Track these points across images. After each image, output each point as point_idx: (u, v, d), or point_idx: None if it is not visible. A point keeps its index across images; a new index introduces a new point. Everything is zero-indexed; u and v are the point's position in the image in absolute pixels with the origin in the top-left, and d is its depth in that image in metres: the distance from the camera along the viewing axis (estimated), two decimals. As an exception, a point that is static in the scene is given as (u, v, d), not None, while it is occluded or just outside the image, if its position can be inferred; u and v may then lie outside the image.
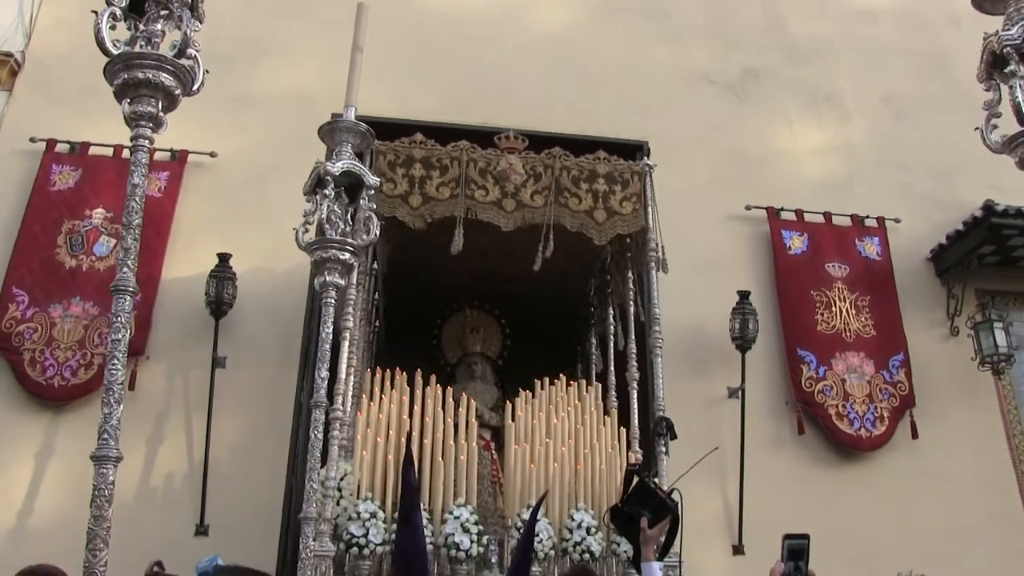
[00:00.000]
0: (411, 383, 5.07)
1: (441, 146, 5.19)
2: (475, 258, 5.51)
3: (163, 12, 2.12)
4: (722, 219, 7.02)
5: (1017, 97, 2.08)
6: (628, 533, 3.44)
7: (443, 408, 4.82)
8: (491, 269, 6.04)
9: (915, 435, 6.51)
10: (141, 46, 2.08)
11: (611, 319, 5.88)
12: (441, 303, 6.61)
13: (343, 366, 4.69)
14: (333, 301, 3.16)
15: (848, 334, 6.74)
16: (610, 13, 7.82)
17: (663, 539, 3.30)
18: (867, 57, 8.06)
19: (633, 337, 5.45)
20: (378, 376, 5.12)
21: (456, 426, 4.83)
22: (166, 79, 2.02)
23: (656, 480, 3.76)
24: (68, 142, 6.43)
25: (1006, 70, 2.16)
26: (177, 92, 2.09)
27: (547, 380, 5.34)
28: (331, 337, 3.23)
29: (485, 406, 5.77)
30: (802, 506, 6.10)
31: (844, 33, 8.13)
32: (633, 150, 5.51)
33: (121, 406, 1.94)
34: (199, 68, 2.14)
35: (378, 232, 3.10)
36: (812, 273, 6.93)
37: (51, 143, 6.38)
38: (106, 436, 1.89)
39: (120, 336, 1.97)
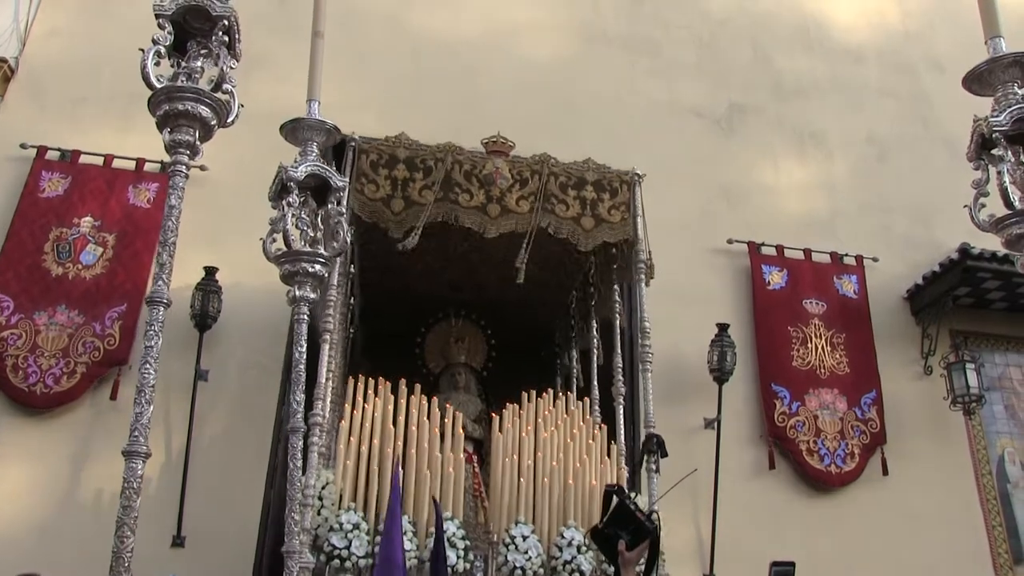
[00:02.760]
0: (395, 392, 5.03)
1: (425, 146, 5.15)
2: (454, 265, 5.61)
3: (203, 51, 2.31)
4: (704, 251, 7.24)
5: (1005, 181, 2.26)
6: (609, 555, 3.54)
7: (428, 418, 4.80)
8: (469, 278, 6.07)
9: (885, 472, 6.74)
10: (182, 81, 2.26)
11: (594, 332, 5.93)
12: (418, 311, 6.59)
13: (323, 370, 4.71)
14: (306, 318, 3.00)
15: (823, 371, 6.97)
16: (600, 45, 8.05)
17: (643, 562, 3.41)
18: (852, 97, 8.35)
19: (619, 351, 5.50)
20: (360, 384, 5.08)
21: (442, 436, 4.80)
22: (203, 111, 2.18)
23: (636, 502, 3.75)
24: (59, 149, 6.54)
25: (994, 151, 2.34)
26: (213, 123, 2.25)
27: (533, 393, 5.29)
28: (305, 357, 3.05)
29: (468, 418, 5.79)
30: (773, 537, 6.29)
31: (830, 72, 8.42)
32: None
33: (151, 407, 2.11)
34: (234, 101, 2.32)
35: (348, 239, 2.97)
36: (790, 308, 7.16)
37: (42, 150, 6.49)
38: (136, 433, 2.06)
39: (153, 343, 2.18)
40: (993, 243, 6.93)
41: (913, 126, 8.30)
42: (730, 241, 7.32)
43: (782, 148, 7.95)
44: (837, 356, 7.03)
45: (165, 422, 5.94)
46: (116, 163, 6.49)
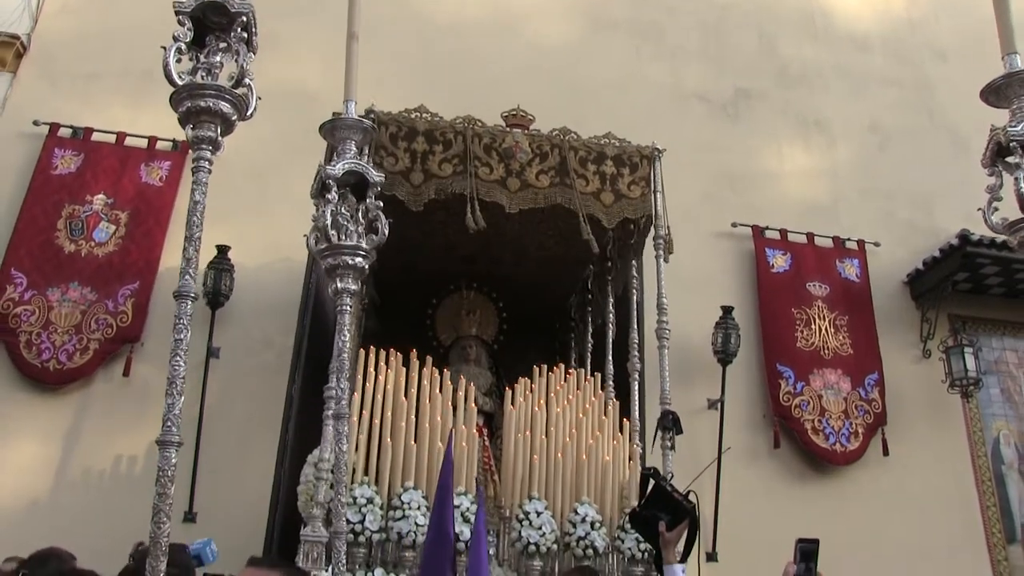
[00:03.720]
0: (406, 364, 4.93)
1: (444, 119, 5.04)
2: (470, 239, 5.54)
3: (222, 44, 2.32)
4: (709, 235, 7.27)
5: (1021, 187, 2.38)
6: (648, 536, 3.55)
7: (440, 391, 4.73)
8: (484, 251, 5.99)
9: (886, 452, 6.81)
10: (202, 76, 2.28)
11: (610, 307, 5.89)
12: (430, 283, 6.52)
13: (339, 340, 4.71)
14: (349, 308, 3.04)
15: (826, 351, 7.02)
16: (606, 30, 8.06)
17: (683, 541, 3.43)
18: (856, 84, 8.38)
19: (636, 326, 5.45)
20: (371, 355, 4.96)
21: (454, 409, 4.72)
22: (224, 107, 2.20)
23: (672, 484, 3.72)
24: (71, 127, 6.52)
25: (1008, 159, 2.47)
26: (234, 118, 2.27)
27: (545, 367, 5.20)
28: (348, 346, 3.11)
29: (479, 391, 5.71)
30: (774, 516, 6.35)
31: (834, 60, 8.45)
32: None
33: (183, 398, 2.18)
34: (252, 95, 2.34)
35: (387, 232, 2.97)
36: (794, 291, 7.20)
37: (54, 127, 6.47)
38: (169, 423, 2.13)
39: (183, 336, 2.21)
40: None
41: (915, 114, 8.34)
42: (735, 225, 7.36)
43: (786, 134, 7.98)
44: (840, 338, 7.09)
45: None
46: (128, 141, 6.48)
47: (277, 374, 6.09)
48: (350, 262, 2.91)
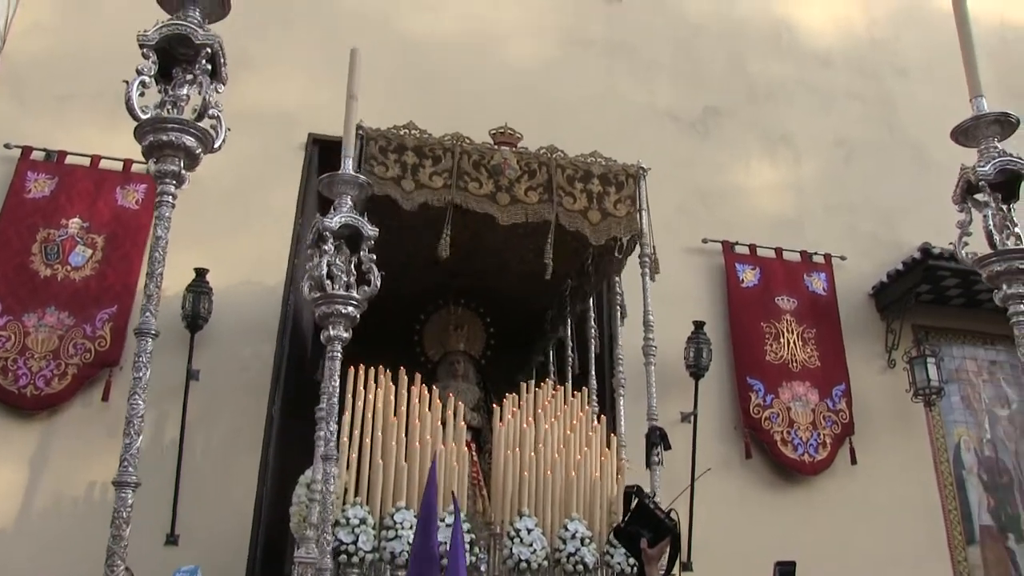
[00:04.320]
0: (395, 381, 4.98)
1: (433, 136, 5.10)
2: (454, 252, 5.61)
3: (188, 77, 2.32)
4: (680, 251, 7.36)
5: (989, 224, 2.53)
6: (632, 552, 3.66)
7: (429, 409, 4.76)
8: (467, 264, 6.03)
9: (854, 461, 6.98)
10: (168, 109, 2.29)
11: (591, 322, 5.97)
12: (416, 299, 6.54)
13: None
14: (339, 355, 3.15)
15: (795, 364, 7.17)
16: (580, 48, 8.13)
17: (665, 557, 3.53)
18: (821, 101, 8.54)
19: (621, 342, 5.53)
20: (360, 373, 4.97)
21: (444, 425, 4.75)
22: (188, 141, 2.22)
23: (655, 501, 3.82)
24: (44, 149, 6.45)
25: (977, 196, 2.64)
26: (198, 152, 2.27)
27: (532, 383, 5.30)
28: (338, 391, 3.21)
29: (467, 406, 5.74)
30: (747, 525, 6.50)
31: (800, 76, 8.60)
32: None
33: (140, 437, 2.12)
34: (221, 127, 2.35)
35: (379, 284, 3.09)
36: (763, 305, 7.34)
37: (26, 150, 6.38)
38: (126, 463, 2.06)
39: (142, 374, 2.18)
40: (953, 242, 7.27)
41: (878, 129, 8.53)
42: (705, 240, 7.48)
43: (754, 150, 8.12)
44: (808, 350, 7.24)
45: (157, 422, 5.94)
46: (103, 164, 6.42)
47: (257, 395, 6.12)
48: (342, 311, 3.03)
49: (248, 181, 6.65)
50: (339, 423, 4.76)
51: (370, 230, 3.07)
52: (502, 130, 5.36)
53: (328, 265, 3.01)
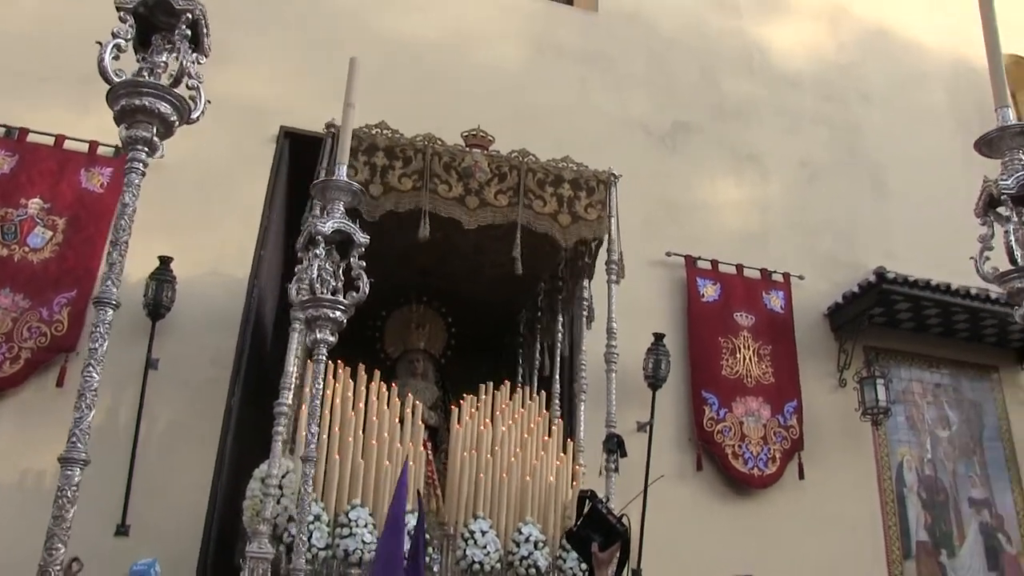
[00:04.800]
0: (353, 377, 4.99)
1: (405, 136, 5.05)
2: (423, 252, 5.57)
3: (168, 45, 2.24)
4: (645, 263, 7.43)
5: (1011, 240, 2.45)
6: (583, 555, 3.71)
7: (388, 407, 4.76)
8: (435, 266, 6.02)
9: (802, 476, 7.13)
10: (144, 76, 2.19)
11: (559, 326, 6.01)
12: (380, 295, 6.56)
13: (291, 358, 4.69)
14: (324, 358, 3.17)
15: (749, 380, 7.30)
16: (555, 56, 8.15)
17: (615, 562, 3.58)
18: (788, 122, 8.69)
19: (584, 348, 5.56)
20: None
21: (402, 423, 4.77)
22: (163, 107, 2.13)
23: (608, 507, 3.89)
24: (4, 126, 6.28)
25: (999, 210, 2.53)
26: (173, 120, 2.18)
27: (491, 385, 5.31)
28: (321, 393, 3.26)
29: (424, 405, 5.72)
30: (696, 535, 6.61)
31: (769, 96, 8.74)
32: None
33: (92, 412, 2.01)
34: (200, 98, 2.27)
35: (367, 290, 3.09)
36: (722, 320, 7.45)
37: (-13, 125, 6.23)
38: (75, 439, 1.94)
39: (98, 346, 2.08)
40: (906, 267, 7.48)
41: (841, 153, 8.72)
42: (668, 254, 7.56)
43: (721, 167, 8.23)
44: (763, 367, 7.38)
45: (114, 409, 5.84)
46: (68, 144, 6.27)
47: (216, 387, 6.02)
48: (330, 315, 3.03)
49: (217, 171, 6.56)
50: (296, 417, 4.81)
51: (362, 237, 3.06)
52: (474, 132, 5.34)
53: (319, 269, 3.02)
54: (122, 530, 5.64)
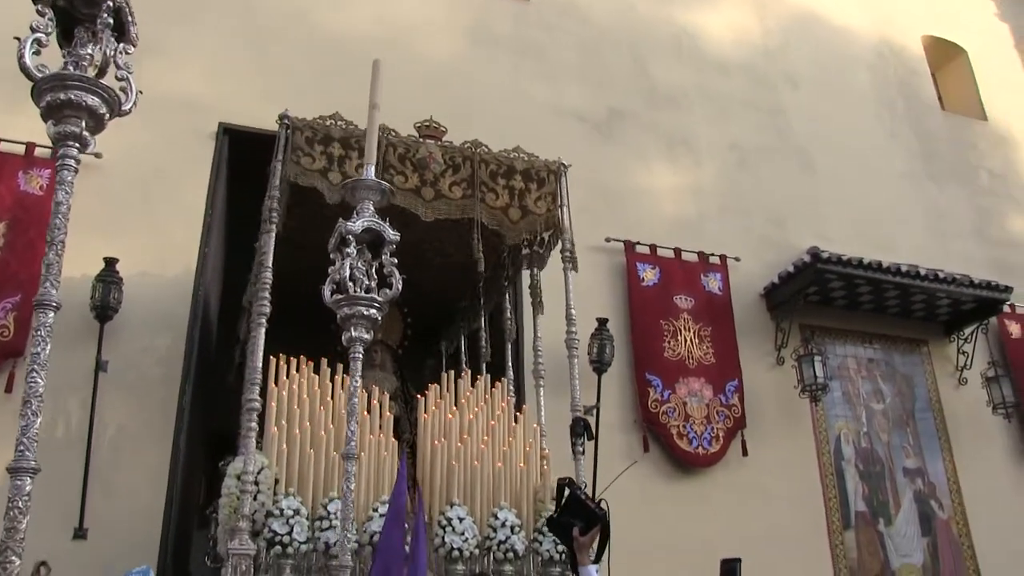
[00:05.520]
0: (316, 371, 5.25)
1: (359, 127, 5.16)
2: None
3: (91, 37, 2.26)
4: (585, 249, 7.90)
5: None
6: (565, 541, 4.11)
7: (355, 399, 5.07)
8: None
9: (745, 453, 7.83)
10: (70, 70, 2.22)
11: (508, 315, 6.43)
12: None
13: (259, 354, 4.87)
14: (360, 356, 3.30)
15: (691, 361, 7.95)
16: (488, 48, 8.73)
17: (596, 544, 3.97)
18: (718, 107, 9.44)
19: (540, 335, 5.95)
20: (283, 363, 5.22)
21: (369, 414, 5.00)
22: (91, 100, 2.14)
23: (586, 492, 4.23)
24: (-66, 129, 6.51)
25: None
26: (103, 112, 2.19)
27: (452, 374, 5.65)
28: (357, 389, 3.38)
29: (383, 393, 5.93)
30: (646, 514, 7.18)
31: (699, 82, 9.49)
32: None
33: (39, 418, 2.01)
34: (131, 89, 2.33)
35: (400, 286, 3.20)
36: (662, 304, 8.10)
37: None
38: (22, 448, 1.95)
39: (40, 350, 2.07)
40: (837, 246, 8.23)
41: (770, 136, 9.49)
42: (608, 240, 8.18)
43: (655, 153, 8.90)
44: (704, 348, 8.03)
45: (65, 413, 6.15)
46: (3, 147, 6.53)
47: (167, 387, 6.39)
48: (364, 313, 3.18)
49: (157, 170, 6.90)
50: (264, 411, 5.09)
51: (392, 234, 3.24)
52: (427, 123, 5.65)
53: (351, 268, 3.16)
54: (80, 533, 5.95)
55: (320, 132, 5.29)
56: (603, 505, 4.09)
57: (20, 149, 6.58)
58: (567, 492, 4.16)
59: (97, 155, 6.74)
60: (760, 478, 7.84)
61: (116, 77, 2.30)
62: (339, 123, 5.40)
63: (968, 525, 8.55)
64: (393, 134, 5.44)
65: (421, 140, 5.48)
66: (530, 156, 5.74)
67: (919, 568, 8.20)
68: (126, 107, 2.29)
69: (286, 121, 5.32)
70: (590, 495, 4.25)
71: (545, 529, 4.93)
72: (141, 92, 2.34)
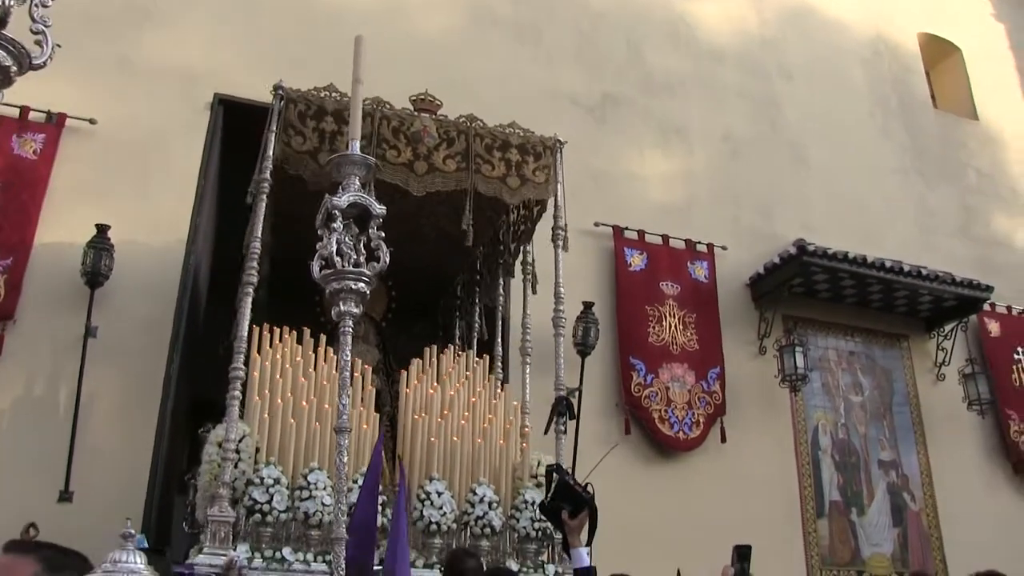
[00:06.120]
0: (299, 341, 5.27)
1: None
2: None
3: None
4: (573, 232, 7.93)
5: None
6: (556, 524, 4.20)
7: (337, 371, 4.78)
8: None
9: (724, 439, 7.96)
10: None
11: (500, 291, 6.48)
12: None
13: (244, 324, 4.90)
14: (351, 331, 3.27)
15: (675, 347, 8.07)
16: (486, 27, 8.78)
17: (585, 527, 4.05)
18: (712, 96, 9.51)
19: (529, 312, 5.95)
20: (267, 333, 5.24)
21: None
22: None
23: (574, 478, 4.30)
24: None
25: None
26: (7, 65, 2.12)
27: (435, 349, 5.67)
28: (349, 365, 3.33)
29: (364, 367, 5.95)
30: (625, 497, 7.27)
31: (694, 71, 9.55)
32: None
33: None
34: (48, 42, 2.24)
35: (387, 260, 3.17)
36: (648, 289, 8.21)
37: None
38: None
39: None
40: (824, 239, 8.32)
41: (763, 126, 9.57)
42: (597, 224, 8.26)
43: (648, 139, 8.98)
44: (688, 334, 8.15)
45: (54, 377, 6.23)
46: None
47: (156, 353, 6.43)
48: (353, 287, 3.14)
49: (151, 139, 6.94)
50: (247, 381, 5.04)
51: (378, 209, 3.21)
52: (422, 96, 5.65)
53: (338, 243, 3.12)
54: (66, 496, 6.04)
55: (314, 105, 5.25)
56: (589, 489, 4.16)
57: (14, 112, 6.62)
58: (556, 478, 4.25)
59: (92, 121, 6.82)
60: (737, 465, 7.98)
61: (31, 31, 2.22)
62: (333, 95, 5.34)
63: (938, 517, 8.72)
64: (388, 107, 5.41)
65: (415, 113, 5.44)
66: (526, 131, 5.72)
67: (888, 557, 8.39)
68: (39, 60, 2.18)
69: (280, 92, 5.31)
70: (577, 480, 4.33)
71: (522, 506, 5.04)
72: (59, 45, 2.27)
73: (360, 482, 4.57)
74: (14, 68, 2.09)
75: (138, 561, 2.52)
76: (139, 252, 6.62)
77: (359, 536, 3.78)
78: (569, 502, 4.06)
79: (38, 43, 2.17)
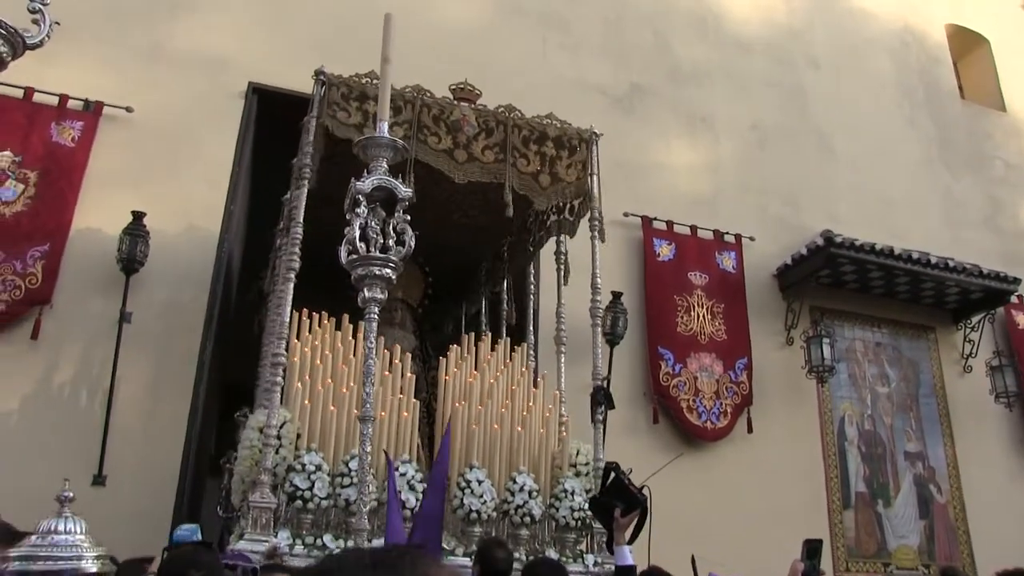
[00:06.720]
0: (338, 327, 5.31)
1: (394, 87, 5.12)
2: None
3: None
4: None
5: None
6: (604, 520, 4.21)
7: (376, 357, 4.84)
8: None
9: (750, 430, 7.97)
10: None
11: (531, 280, 6.51)
12: None
13: (287, 309, 4.93)
14: (376, 317, 3.28)
15: (703, 337, 8.07)
16: (514, 16, 8.78)
17: (632, 528, 4.07)
18: (740, 86, 9.49)
19: (563, 301, 5.98)
20: (305, 319, 5.29)
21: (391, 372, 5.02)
22: None
23: (629, 477, 4.25)
24: (-34, 77, 6.57)
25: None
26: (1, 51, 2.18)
27: (473, 336, 5.74)
28: (373, 351, 3.35)
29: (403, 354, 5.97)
30: (652, 486, 7.28)
31: (722, 61, 9.53)
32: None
33: None
34: (45, 21, 2.36)
35: (413, 244, 3.15)
36: (676, 279, 8.22)
37: (-49, 78, 6.50)
38: None
39: None
40: (850, 230, 8.30)
41: (790, 117, 9.55)
42: (626, 214, 8.27)
43: (675, 129, 8.97)
44: (716, 324, 8.15)
45: (88, 362, 6.29)
46: (37, 97, 6.61)
47: (189, 339, 6.51)
48: (378, 272, 3.13)
49: (186, 126, 6.99)
50: (287, 367, 5.07)
51: (404, 191, 3.19)
52: (462, 85, 5.67)
53: (363, 228, 3.10)
54: (99, 480, 6.11)
55: (355, 89, 5.26)
56: (645, 491, 4.16)
57: (53, 100, 6.67)
58: (612, 475, 4.26)
59: (128, 109, 6.87)
60: (764, 455, 7.99)
61: (29, 10, 2.33)
62: (374, 81, 5.26)
63: (965, 510, 8.71)
64: (428, 95, 5.44)
65: (455, 102, 5.46)
66: (563, 123, 5.74)
67: (914, 549, 8.38)
68: (35, 40, 2.28)
69: (322, 77, 5.33)
70: (632, 481, 4.33)
71: (561, 495, 5.04)
72: (58, 23, 2.38)
73: (401, 469, 4.69)
74: (5, 50, 2.17)
75: (77, 530, 2.15)
76: (173, 239, 6.67)
77: (423, 529, 3.88)
78: (623, 501, 4.08)
79: (35, 22, 2.26)
